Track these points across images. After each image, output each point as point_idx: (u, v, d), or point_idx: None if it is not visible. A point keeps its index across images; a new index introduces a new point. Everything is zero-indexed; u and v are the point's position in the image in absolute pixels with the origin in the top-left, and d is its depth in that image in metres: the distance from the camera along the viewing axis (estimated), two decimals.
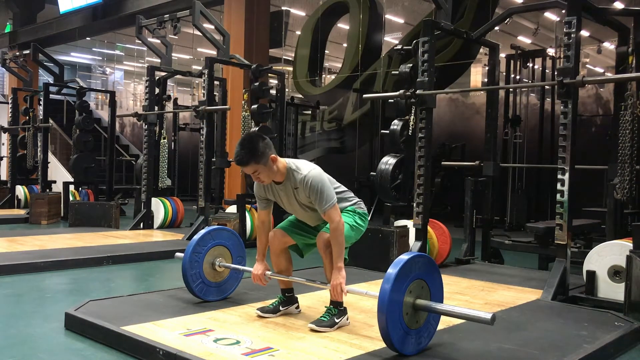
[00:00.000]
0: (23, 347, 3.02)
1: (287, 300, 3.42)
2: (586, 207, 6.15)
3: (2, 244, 6.08)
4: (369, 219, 3.41)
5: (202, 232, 3.68)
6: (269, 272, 3.37)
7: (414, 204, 5.02)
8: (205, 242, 3.65)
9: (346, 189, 3.33)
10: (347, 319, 3.21)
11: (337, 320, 3.13)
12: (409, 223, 5.20)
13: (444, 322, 3.35)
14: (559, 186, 4.19)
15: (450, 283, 4.58)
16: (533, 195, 9.89)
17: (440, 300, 2.89)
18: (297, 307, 3.45)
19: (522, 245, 5.51)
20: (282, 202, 3.25)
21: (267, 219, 3.35)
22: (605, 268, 4.15)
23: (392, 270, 2.65)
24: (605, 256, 4.16)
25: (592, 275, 4.19)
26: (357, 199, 3.35)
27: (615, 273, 4.10)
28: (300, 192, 3.10)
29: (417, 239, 5.01)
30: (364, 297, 3.93)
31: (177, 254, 3.91)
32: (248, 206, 7.04)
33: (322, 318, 3.13)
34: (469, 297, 4.10)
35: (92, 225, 8.01)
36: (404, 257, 2.72)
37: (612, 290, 4.09)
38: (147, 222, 7.91)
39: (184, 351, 2.68)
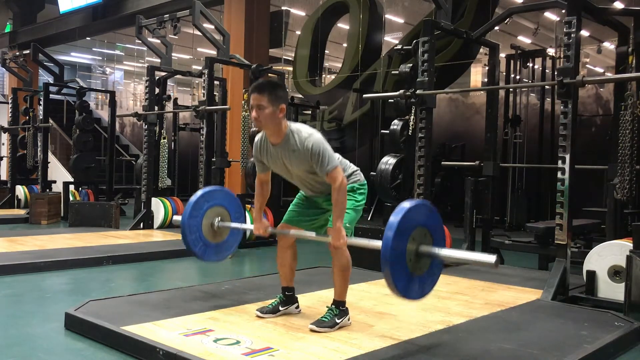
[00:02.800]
0: (23, 347, 3.02)
1: (287, 299, 3.41)
2: (586, 207, 6.15)
3: (2, 244, 6.08)
4: (367, 187, 3.32)
5: (197, 194, 3.59)
6: (270, 229, 3.33)
7: None
8: (201, 205, 3.57)
9: (340, 156, 3.23)
10: (349, 319, 3.21)
11: (338, 321, 3.12)
12: None
13: (444, 322, 3.36)
14: (559, 186, 4.19)
15: (450, 283, 4.58)
16: (533, 195, 9.89)
17: (443, 247, 2.84)
18: (297, 307, 3.45)
19: (522, 245, 5.50)
20: (279, 167, 3.17)
21: (266, 179, 3.31)
22: (605, 268, 4.15)
23: (394, 218, 2.61)
24: (605, 256, 4.16)
25: (592, 275, 4.18)
26: (354, 168, 3.29)
27: (615, 273, 4.10)
28: (299, 155, 3.01)
29: None
30: (364, 297, 3.94)
31: (175, 217, 3.87)
32: (248, 206, 7.03)
33: (323, 318, 3.12)
34: (469, 297, 4.10)
35: (92, 225, 8.01)
36: (406, 204, 2.68)
37: (612, 290, 4.09)
38: (147, 222, 7.91)
39: (184, 351, 2.68)
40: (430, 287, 2.82)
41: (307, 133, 3.01)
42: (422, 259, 2.72)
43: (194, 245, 3.52)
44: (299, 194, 3.39)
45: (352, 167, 3.30)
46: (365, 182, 3.33)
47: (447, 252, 2.76)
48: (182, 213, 3.55)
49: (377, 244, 2.68)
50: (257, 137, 3.22)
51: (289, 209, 3.38)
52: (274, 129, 3.03)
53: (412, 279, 2.69)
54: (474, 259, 2.66)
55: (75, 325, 3.27)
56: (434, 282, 2.83)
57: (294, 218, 3.32)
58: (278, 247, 3.37)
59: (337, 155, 3.15)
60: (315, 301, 3.72)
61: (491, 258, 2.57)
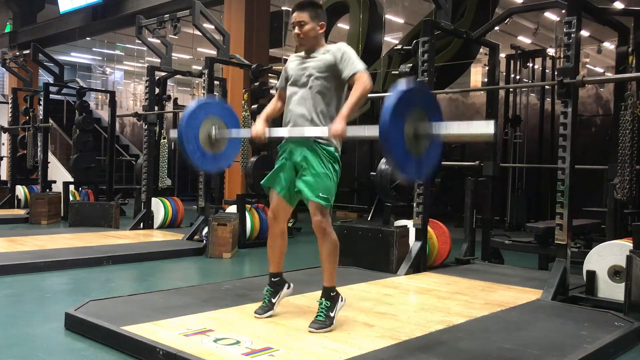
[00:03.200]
0: (23, 347, 3.01)
1: (275, 288, 3.38)
2: (586, 207, 6.15)
3: (2, 244, 6.08)
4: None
5: (192, 105, 3.55)
6: (267, 130, 3.28)
7: (414, 204, 5.03)
8: (197, 115, 3.53)
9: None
10: (342, 300, 3.20)
11: (332, 314, 3.11)
12: (409, 223, 5.20)
13: (444, 322, 3.36)
14: (559, 186, 4.19)
15: (450, 283, 4.58)
16: (533, 195, 9.89)
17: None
18: (289, 287, 3.43)
19: (522, 245, 5.50)
20: (297, 77, 3.21)
21: (283, 96, 3.34)
22: (605, 268, 4.15)
23: (390, 99, 2.60)
24: (605, 256, 4.16)
25: (592, 275, 4.19)
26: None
27: (615, 273, 4.10)
28: (328, 56, 3.13)
29: (417, 239, 5.01)
30: (364, 297, 3.94)
31: (172, 131, 3.87)
32: (248, 206, 7.04)
33: (319, 317, 3.11)
34: (469, 297, 4.10)
35: (92, 225, 8.01)
36: (402, 86, 2.67)
37: (612, 290, 4.09)
38: (147, 222, 7.91)
39: (184, 351, 2.68)
40: (429, 168, 2.81)
41: (341, 44, 3.20)
42: (421, 139, 2.70)
43: (192, 154, 3.51)
44: (276, 162, 3.32)
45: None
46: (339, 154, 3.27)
47: (444, 128, 2.71)
48: (179, 123, 3.53)
49: (374, 128, 2.63)
50: (290, 58, 3.36)
51: (267, 175, 3.32)
52: (312, 44, 3.22)
53: (411, 158, 2.67)
54: (470, 130, 2.61)
55: (75, 325, 3.27)
56: (433, 163, 2.82)
57: (274, 177, 3.25)
58: (269, 233, 3.36)
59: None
60: (315, 301, 3.71)
61: (489, 127, 2.52)
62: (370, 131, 2.83)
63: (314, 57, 3.21)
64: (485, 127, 2.55)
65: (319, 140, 3.12)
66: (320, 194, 3.07)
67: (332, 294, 3.16)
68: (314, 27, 3.18)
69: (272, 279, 3.40)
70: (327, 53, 3.17)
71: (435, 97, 2.92)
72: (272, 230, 3.35)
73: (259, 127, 3.27)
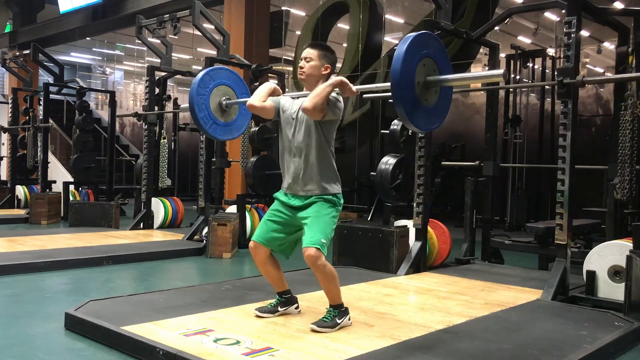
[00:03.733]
0: (23, 347, 3.01)
1: (286, 301, 3.41)
2: (586, 207, 6.15)
3: (2, 244, 6.08)
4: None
5: (201, 74, 3.59)
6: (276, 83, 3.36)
7: (414, 204, 5.03)
8: (206, 84, 3.58)
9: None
10: (349, 319, 3.20)
11: (338, 321, 3.12)
12: (409, 223, 5.20)
13: (444, 322, 3.36)
14: (559, 186, 4.19)
15: (450, 283, 4.58)
16: (533, 195, 9.89)
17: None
18: (297, 307, 3.44)
19: (522, 245, 5.51)
20: (291, 119, 3.20)
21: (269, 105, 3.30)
22: (605, 268, 4.15)
23: (401, 46, 2.62)
24: (605, 256, 4.16)
25: (592, 275, 4.19)
26: (339, 184, 3.25)
27: (615, 273, 4.10)
28: None
29: (417, 239, 5.01)
30: (364, 297, 3.94)
31: (182, 106, 3.90)
32: (248, 206, 7.04)
33: (324, 319, 3.12)
34: (469, 297, 4.10)
35: (92, 225, 8.01)
36: (412, 34, 2.70)
37: (612, 290, 4.09)
38: (147, 222, 7.91)
39: (184, 351, 2.68)
40: (439, 121, 2.81)
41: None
42: (430, 89, 2.71)
43: (204, 123, 3.53)
44: (272, 205, 3.32)
45: (339, 179, 3.27)
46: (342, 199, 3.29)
47: (454, 76, 2.75)
48: (189, 92, 3.55)
49: (386, 84, 2.67)
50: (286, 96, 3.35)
51: (261, 222, 3.31)
52: (313, 84, 3.16)
53: (420, 107, 2.69)
54: (481, 75, 2.66)
55: (75, 325, 3.27)
56: (442, 116, 2.83)
57: (264, 234, 3.24)
58: (255, 263, 3.31)
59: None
60: (315, 301, 3.72)
61: (499, 72, 2.57)
62: (381, 85, 2.85)
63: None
64: (494, 72, 2.60)
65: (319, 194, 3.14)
66: (316, 239, 3.02)
67: (341, 309, 3.17)
68: (318, 66, 3.16)
69: (283, 296, 3.40)
70: None
71: (444, 47, 2.89)
72: (256, 260, 3.29)
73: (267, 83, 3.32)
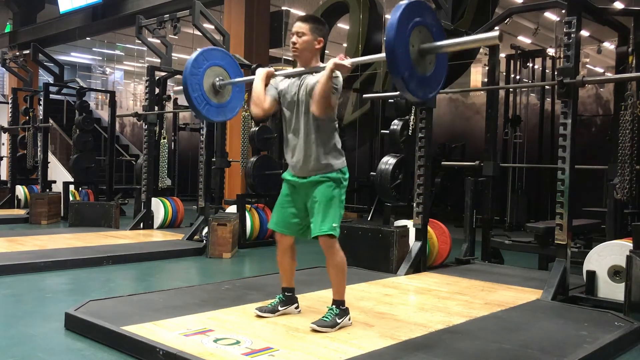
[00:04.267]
0: (23, 347, 3.01)
1: (287, 300, 3.41)
2: (586, 207, 6.15)
3: (2, 244, 6.08)
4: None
5: (194, 54, 3.58)
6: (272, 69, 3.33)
7: (414, 204, 5.03)
8: (199, 64, 3.56)
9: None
10: (349, 319, 3.20)
11: (339, 321, 3.12)
12: (409, 223, 5.20)
13: (444, 322, 3.36)
14: (559, 186, 4.19)
15: (450, 283, 4.58)
16: (533, 195, 9.89)
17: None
18: (297, 307, 3.45)
19: (522, 245, 5.51)
20: (290, 100, 3.17)
21: (268, 104, 3.28)
22: (605, 268, 4.15)
23: (395, 12, 2.60)
24: (605, 256, 4.16)
25: (592, 275, 4.19)
26: (343, 157, 3.27)
27: (615, 273, 4.10)
28: (316, 79, 3.05)
29: (417, 239, 5.01)
30: (364, 297, 3.94)
31: (174, 90, 3.90)
32: (248, 206, 7.04)
33: (324, 318, 3.12)
34: (469, 297, 4.10)
35: (92, 225, 8.01)
36: (404, 2, 2.67)
37: (612, 290, 4.09)
38: (147, 222, 7.91)
39: (184, 351, 2.68)
40: (435, 88, 2.80)
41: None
42: (426, 58, 2.70)
43: (198, 103, 3.52)
44: (282, 190, 3.34)
45: (342, 154, 3.27)
46: (348, 173, 3.30)
47: (448, 41, 2.72)
48: (183, 71, 3.54)
49: (381, 55, 2.65)
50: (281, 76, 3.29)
51: (274, 210, 3.34)
52: (306, 58, 3.14)
53: (416, 74, 2.67)
54: (475, 38, 2.64)
55: (75, 325, 3.27)
56: (438, 83, 2.82)
57: (279, 220, 3.29)
58: (277, 249, 3.36)
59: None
60: (315, 301, 3.72)
61: (494, 34, 2.54)
62: (377, 56, 2.84)
63: (307, 80, 3.14)
64: (489, 34, 2.59)
65: (323, 172, 3.14)
66: (328, 225, 3.07)
67: (342, 307, 3.17)
68: (311, 40, 3.12)
69: (286, 293, 3.42)
70: (317, 74, 3.09)
71: (438, 18, 2.87)
72: (279, 246, 3.34)
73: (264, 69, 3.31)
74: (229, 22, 9.94)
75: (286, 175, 3.31)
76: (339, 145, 3.23)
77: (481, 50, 10.42)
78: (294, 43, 3.14)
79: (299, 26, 3.14)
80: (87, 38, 17.24)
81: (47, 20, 15.54)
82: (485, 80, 7.04)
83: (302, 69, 3.19)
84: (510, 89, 9.97)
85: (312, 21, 3.16)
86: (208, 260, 5.96)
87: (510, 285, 4.54)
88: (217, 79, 3.66)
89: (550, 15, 11.31)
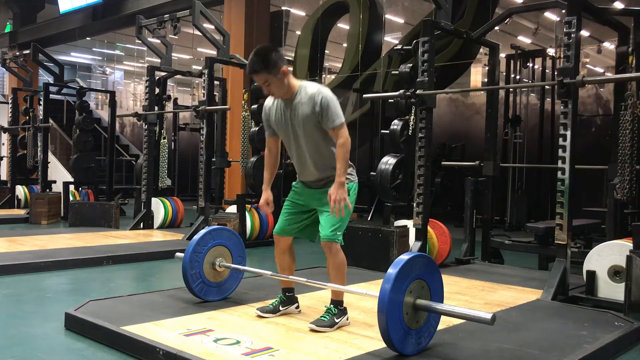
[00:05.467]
0: (23, 347, 3.02)
1: (287, 300, 3.42)
2: (586, 207, 6.15)
3: (2, 244, 6.08)
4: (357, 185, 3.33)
5: (202, 232, 3.69)
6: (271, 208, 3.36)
7: (414, 204, 5.03)
8: (205, 242, 3.66)
9: None
10: (347, 319, 3.21)
11: (337, 320, 3.12)
12: (409, 223, 5.20)
13: (444, 322, 3.35)
14: (559, 186, 4.19)
15: (450, 283, 4.58)
16: (533, 195, 9.89)
17: (441, 300, 2.89)
18: (297, 307, 3.45)
19: (522, 245, 5.51)
20: (285, 128, 3.18)
21: (274, 147, 3.34)
22: (605, 268, 4.15)
23: (392, 270, 2.65)
24: (605, 256, 4.16)
25: (592, 275, 4.19)
26: (352, 166, 3.27)
27: (615, 273, 4.10)
28: (306, 108, 3.04)
29: (417, 239, 5.01)
30: (364, 297, 3.94)
31: (177, 254, 3.91)
32: (248, 206, 7.04)
33: (322, 318, 3.13)
34: (469, 297, 4.10)
35: (92, 225, 8.01)
36: (404, 257, 2.72)
37: (612, 290, 4.09)
38: (147, 222, 7.91)
39: (184, 351, 2.68)
40: (427, 340, 2.84)
41: (317, 87, 3.08)
42: (420, 312, 2.76)
43: (193, 281, 3.59)
44: (288, 196, 3.37)
45: (351, 165, 3.29)
46: (357, 183, 3.32)
47: (444, 307, 2.79)
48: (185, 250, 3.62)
49: (375, 294, 2.70)
50: (267, 100, 3.27)
51: (280, 217, 3.36)
52: (285, 91, 3.11)
53: (409, 332, 2.72)
54: (471, 315, 2.72)
55: (75, 325, 3.27)
56: (430, 335, 2.87)
57: (285, 227, 3.32)
58: (275, 251, 3.38)
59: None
60: (315, 301, 3.72)
61: (487, 315, 2.62)
62: (370, 294, 2.90)
63: (295, 102, 3.10)
64: (483, 315, 2.65)
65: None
66: (332, 231, 3.10)
67: (340, 307, 3.18)
68: (279, 79, 3.03)
69: (287, 293, 3.43)
70: (304, 104, 3.06)
71: (438, 269, 2.93)
72: (277, 248, 3.37)
73: (267, 196, 3.33)
74: (229, 22, 9.94)
75: (295, 183, 3.36)
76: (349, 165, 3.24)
77: (481, 50, 10.42)
78: (268, 92, 3.11)
79: (257, 78, 3.06)
80: (87, 38, 17.24)
81: (47, 20, 15.54)
82: (485, 80, 7.04)
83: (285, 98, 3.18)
84: (510, 89, 9.97)
85: (264, 64, 3.00)
86: None
87: (510, 285, 4.54)
88: (218, 260, 3.71)
89: (550, 15, 11.30)
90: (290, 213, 3.31)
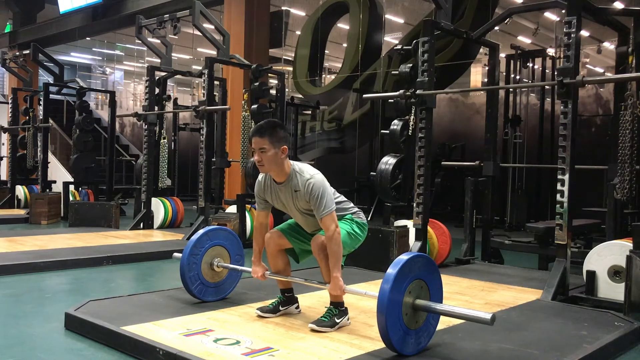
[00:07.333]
0: (23, 347, 3.02)
1: (287, 300, 3.42)
2: (586, 207, 6.15)
3: (2, 244, 6.08)
4: (367, 228, 3.40)
5: (200, 232, 3.68)
6: (267, 272, 3.38)
7: (414, 204, 5.03)
8: (202, 243, 3.65)
9: (346, 199, 3.35)
10: (348, 320, 3.21)
11: (337, 321, 3.12)
12: (409, 223, 5.20)
13: (444, 322, 3.35)
14: (559, 186, 4.19)
15: (450, 283, 4.58)
16: (533, 195, 9.89)
17: (440, 300, 2.89)
18: (297, 307, 3.45)
19: (522, 245, 5.51)
20: (281, 205, 3.24)
21: (265, 221, 3.35)
22: (605, 268, 4.15)
23: (391, 270, 2.65)
24: (605, 256, 4.16)
25: (592, 275, 4.19)
26: (356, 209, 3.34)
27: (615, 273, 4.10)
28: (300, 195, 3.08)
29: (417, 239, 5.01)
30: (364, 297, 3.94)
31: (175, 254, 3.90)
32: (248, 206, 7.04)
33: (323, 318, 3.13)
34: (469, 297, 4.10)
35: (92, 225, 8.01)
36: (404, 257, 2.72)
37: (612, 290, 4.10)
38: (147, 222, 7.91)
39: (184, 351, 2.68)
40: (427, 340, 2.85)
41: (309, 174, 3.07)
42: (419, 312, 2.76)
43: (191, 282, 3.59)
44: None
45: (355, 208, 3.35)
46: (366, 225, 3.36)
47: (443, 307, 2.80)
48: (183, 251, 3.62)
49: (374, 294, 2.70)
50: (260, 177, 3.26)
51: (287, 221, 3.40)
52: (277, 170, 3.08)
53: (408, 332, 2.72)
54: (470, 315, 2.71)
55: (75, 325, 3.27)
56: (430, 335, 2.87)
57: (286, 230, 3.33)
58: (267, 254, 3.37)
59: (341, 197, 3.26)
60: (315, 301, 3.72)
61: (487, 315, 2.62)
62: (370, 294, 2.92)
63: (289, 187, 3.11)
64: (483, 315, 2.65)
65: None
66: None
67: (340, 307, 3.18)
68: (275, 153, 3.01)
69: (286, 294, 3.43)
70: (299, 191, 3.07)
71: (437, 270, 2.93)
72: (269, 251, 3.35)
73: (258, 272, 3.35)
74: (229, 22, 9.94)
75: None
76: (343, 205, 3.28)
77: (481, 50, 10.42)
78: (259, 160, 3.03)
79: (258, 141, 3.02)
80: (87, 38, 17.24)
81: (47, 20, 15.54)
82: (485, 80, 7.03)
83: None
84: (510, 89, 9.97)
85: (270, 132, 3.01)
86: None
87: (510, 285, 4.53)
88: (216, 261, 3.71)
89: (550, 15, 11.30)
90: (299, 225, 3.36)
